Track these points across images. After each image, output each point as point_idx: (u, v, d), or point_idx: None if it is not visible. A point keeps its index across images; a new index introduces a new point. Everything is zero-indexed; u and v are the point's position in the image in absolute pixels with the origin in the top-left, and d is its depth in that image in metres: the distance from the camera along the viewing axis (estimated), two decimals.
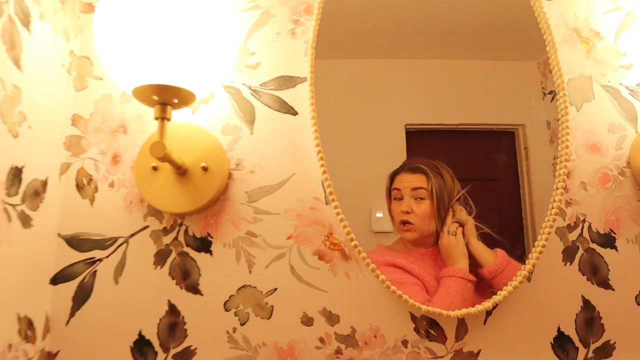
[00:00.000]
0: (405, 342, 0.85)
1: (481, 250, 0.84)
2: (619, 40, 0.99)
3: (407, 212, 0.85)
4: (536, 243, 0.84)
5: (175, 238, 0.88)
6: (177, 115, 0.91)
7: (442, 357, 0.84)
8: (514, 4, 0.99)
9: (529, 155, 0.92)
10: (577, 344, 0.86)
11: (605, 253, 0.89)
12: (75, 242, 0.87)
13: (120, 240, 0.87)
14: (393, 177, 0.88)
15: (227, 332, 0.85)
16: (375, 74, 0.95)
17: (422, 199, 0.85)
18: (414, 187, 0.86)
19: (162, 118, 0.75)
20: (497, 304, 0.83)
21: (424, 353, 0.84)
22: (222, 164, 0.87)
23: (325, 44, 0.92)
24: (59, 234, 0.87)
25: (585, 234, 0.89)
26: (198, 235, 0.88)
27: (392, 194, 0.87)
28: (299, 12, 0.97)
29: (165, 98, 0.74)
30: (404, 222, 0.86)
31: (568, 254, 0.89)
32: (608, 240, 0.90)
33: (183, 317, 0.85)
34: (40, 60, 0.81)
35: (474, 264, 0.84)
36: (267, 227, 0.88)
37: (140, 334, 0.84)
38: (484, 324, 0.85)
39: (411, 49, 0.98)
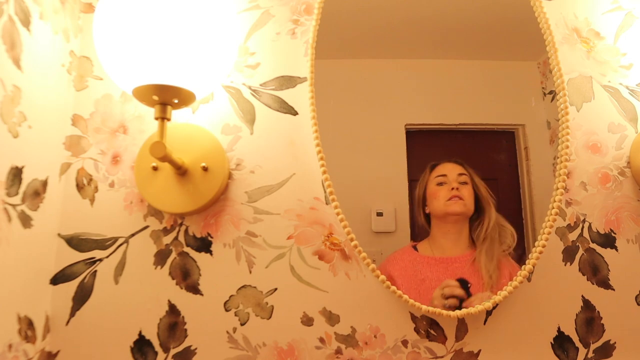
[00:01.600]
0: (405, 342, 0.85)
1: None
2: (619, 40, 0.99)
3: (456, 189, 0.87)
4: (536, 243, 0.84)
5: (176, 238, 0.88)
6: (177, 115, 0.91)
7: (442, 357, 0.84)
8: (514, 4, 0.99)
9: (529, 155, 0.92)
10: (577, 344, 0.86)
11: (605, 253, 0.89)
12: (75, 242, 0.87)
13: (120, 240, 0.87)
14: (434, 167, 0.90)
15: (227, 332, 0.85)
16: (375, 74, 0.95)
17: (466, 183, 0.88)
18: (460, 172, 0.89)
19: (162, 118, 0.75)
20: (497, 304, 0.83)
21: (424, 353, 0.84)
22: (222, 164, 0.87)
23: (325, 44, 0.92)
24: (59, 234, 0.87)
25: (585, 234, 0.89)
26: (198, 235, 0.88)
27: (435, 180, 0.89)
28: (299, 12, 0.97)
29: (165, 98, 0.74)
30: (453, 196, 0.87)
31: (568, 254, 0.89)
32: (608, 240, 0.90)
33: (183, 317, 0.85)
34: (40, 60, 0.81)
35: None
36: (267, 227, 0.88)
37: (140, 334, 0.84)
38: (484, 324, 0.85)
39: (411, 49, 0.98)
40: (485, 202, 0.88)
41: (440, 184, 0.88)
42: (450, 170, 0.89)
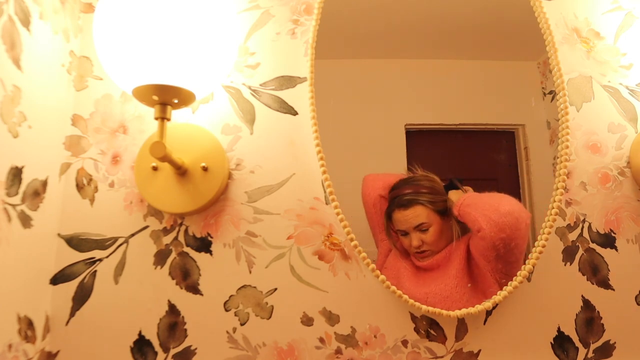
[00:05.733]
0: (405, 342, 0.85)
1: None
2: (619, 40, 0.99)
3: (420, 246, 0.84)
4: (536, 243, 0.84)
5: (175, 238, 0.88)
6: (177, 115, 0.91)
7: (442, 357, 0.84)
8: (514, 4, 0.99)
9: (529, 155, 0.92)
10: (577, 344, 0.86)
11: (605, 253, 0.89)
12: (75, 242, 0.87)
13: (120, 240, 0.87)
14: (390, 215, 0.86)
15: (227, 332, 0.85)
16: (375, 74, 0.96)
17: (426, 230, 0.84)
18: (416, 225, 0.84)
19: (162, 118, 0.75)
20: (497, 304, 0.83)
21: (424, 353, 0.84)
22: (222, 164, 0.87)
23: (325, 44, 0.92)
24: (59, 234, 0.87)
25: (585, 234, 0.89)
26: (198, 235, 0.88)
27: (398, 231, 0.86)
28: (299, 12, 0.97)
29: (165, 98, 0.74)
30: (419, 252, 0.85)
31: (568, 254, 0.89)
32: (608, 240, 0.90)
33: (183, 317, 0.85)
34: (40, 60, 0.81)
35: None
36: (267, 227, 0.88)
37: (140, 334, 0.84)
38: (484, 324, 0.85)
39: (411, 49, 0.98)
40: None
41: (403, 234, 0.86)
42: (407, 223, 0.85)
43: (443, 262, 0.84)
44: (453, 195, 0.86)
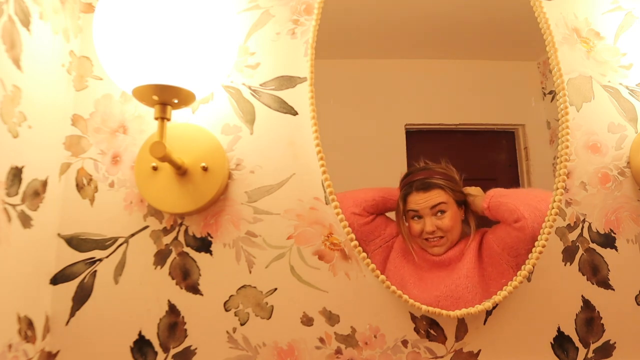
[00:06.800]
0: (405, 342, 0.85)
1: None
2: (619, 40, 0.99)
3: (433, 231, 0.83)
4: (536, 243, 0.84)
5: (175, 238, 0.88)
6: (177, 115, 0.91)
7: (442, 357, 0.84)
8: (513, 4, 0.99)
9: (529, 155, 0.92)
10: (577, 344, 0.86)
11: (605, 253, 0.89)
12: (75, 242, 0.87)
13: (120, 240, 0.87)
14: (405, 198, 0.85)
15: (227, 332, 0.85)
16: (375, 74, 0.95)
17: (443, 212, 0.83)
18: (433, 205, 0.83)
19: (162, 118, 0.75)
20: (497, 304, 0.83)
21: (424, 353, 0.84)
22: (222, 164, 0.87)
23: (325, 44, 0.92)
24: (59, 234, 0.87)
25: (585, 234, 0.89)
26: (198, 235, 0.88)
27: (408, 214, 0.85)
28: (299, 12, 0.97)
29: (165, 98, 0.74)
30: (432, 239, 0.84)
31: (568, 254, 0.89)
32: (608, 240, 0.90)
33: (183, 317, 0.85)
34: (40, 60, 0.81)
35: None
36: (267, 227, 0.88)
37: (140, 334, 0.84)
38: (484, 324, 0.85)
39: (411, 49, 0.98)
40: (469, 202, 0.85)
41: (415, 217, 0.85)
42: (423, 204, 0.83)
43: (454, 259, 0.83)
44: (471, 190, 0.86)
